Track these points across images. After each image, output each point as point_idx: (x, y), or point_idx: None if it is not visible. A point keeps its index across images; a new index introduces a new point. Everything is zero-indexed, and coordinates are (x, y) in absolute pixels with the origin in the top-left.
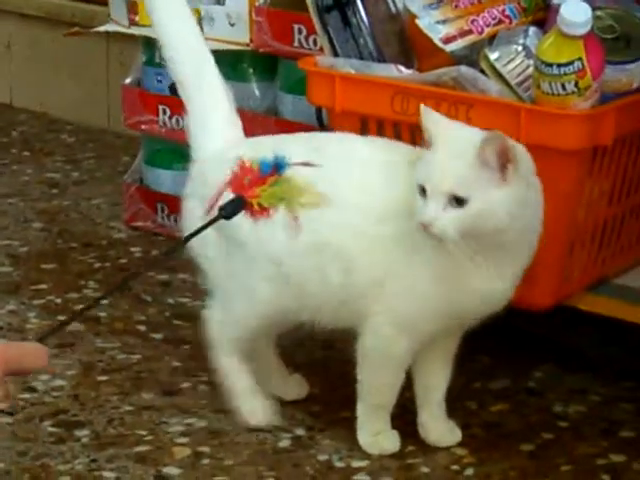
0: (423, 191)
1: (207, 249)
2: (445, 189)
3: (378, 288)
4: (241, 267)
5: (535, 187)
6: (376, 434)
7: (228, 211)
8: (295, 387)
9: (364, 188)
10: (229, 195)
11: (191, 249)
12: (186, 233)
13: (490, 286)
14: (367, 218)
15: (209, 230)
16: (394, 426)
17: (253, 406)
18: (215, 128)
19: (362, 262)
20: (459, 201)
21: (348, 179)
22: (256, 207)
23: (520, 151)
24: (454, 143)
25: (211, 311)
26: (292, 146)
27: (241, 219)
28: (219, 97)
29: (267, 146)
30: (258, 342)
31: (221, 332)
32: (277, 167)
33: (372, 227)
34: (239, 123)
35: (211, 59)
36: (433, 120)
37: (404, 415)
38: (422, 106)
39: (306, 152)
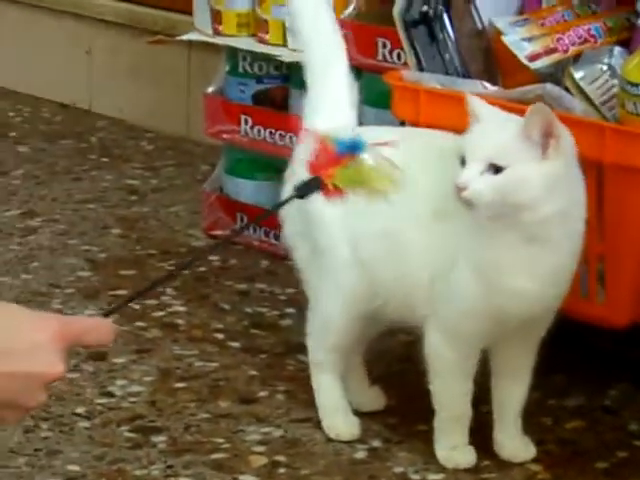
0: (464, 162)
1: (296, 242)
2: (484, 155)
3: (429, 287)
4: (323, 256)
5: (578, 180)
6: (452, 448)
7: (303, 191)
8: (373, 399)
9: (434, 184)
10: (306, 174)
11: (286, 243)
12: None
13: (526, 285)
14: (431, 213)
15: (298, 225)
16: (469, 440)
17: (339, 422)
18: (328, 113)
19: (419, 256)
20: (497, 170)
21: (422, 172)
22: (331, 188)
23: (564, 131)
24: (499, 118)
25: (308, 325)
26: (377, 133)
27: (320, 201)
28: (340, 86)
29: (352, 130)
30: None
31: (317, 345)
32: (354, 147)
33: (433, 224)
34: (353, 115)
35: (343, 50)
36: (479, 104)
37: (480, 429)
38: (467, 95)
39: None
